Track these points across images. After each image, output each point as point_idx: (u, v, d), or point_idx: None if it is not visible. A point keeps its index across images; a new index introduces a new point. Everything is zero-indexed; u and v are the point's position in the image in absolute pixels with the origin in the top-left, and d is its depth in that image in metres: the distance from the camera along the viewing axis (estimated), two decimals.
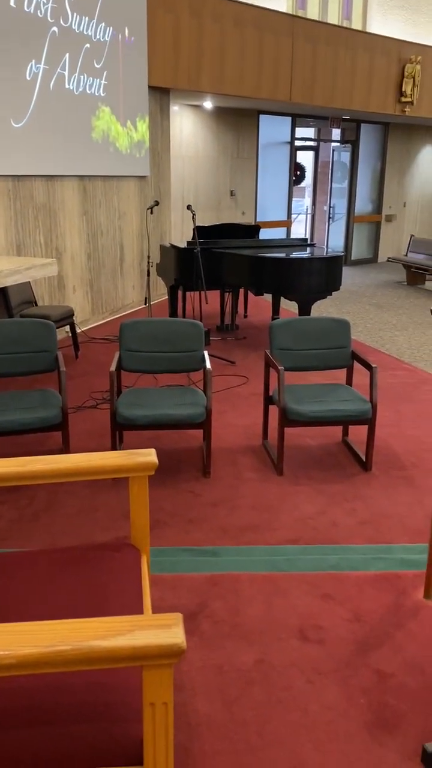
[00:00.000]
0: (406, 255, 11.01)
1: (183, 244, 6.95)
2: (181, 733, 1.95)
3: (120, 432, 4.16)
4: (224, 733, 1.95)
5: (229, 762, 1.86)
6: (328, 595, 2.58)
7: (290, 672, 2.17)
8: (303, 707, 2.03)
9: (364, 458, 4.05)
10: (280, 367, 4.02)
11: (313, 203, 13.44)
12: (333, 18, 11.56)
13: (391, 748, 1.89)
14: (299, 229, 14.27)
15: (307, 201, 13.87)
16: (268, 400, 4.34)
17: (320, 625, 2.40)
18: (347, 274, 12.05)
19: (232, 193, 10.90)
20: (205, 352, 4.27)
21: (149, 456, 1.87)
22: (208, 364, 4.10)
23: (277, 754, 1.88)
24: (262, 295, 6.96)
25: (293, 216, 12.79)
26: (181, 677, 2.16)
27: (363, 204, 13.13)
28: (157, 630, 1.19)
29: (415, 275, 10.78)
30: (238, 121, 10.65)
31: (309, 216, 13.57)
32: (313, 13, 11.21)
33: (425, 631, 2.36)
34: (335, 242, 13.14)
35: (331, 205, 13.02)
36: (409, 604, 2.53)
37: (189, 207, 6.13)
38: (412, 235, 11.24)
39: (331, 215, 13.05)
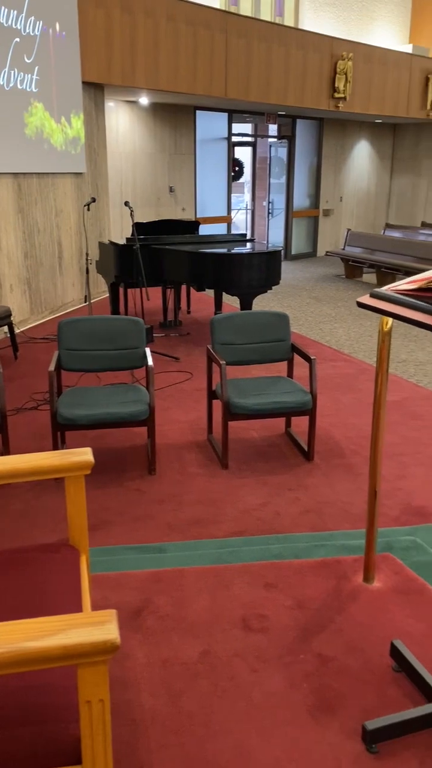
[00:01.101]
0: (344, 249, 11.22)
1: (122, 241, 6.90)
2: (125, 729, 1.94)
3: (62, 433, 4.10)
4: (170, 726, 1.96)
5: (175, 755, 1.87)
6: (271, 584, 2.62)
7: (234, 662, 2.19)
8: (247, 696, 2.06)
9: (306, 448, 4.12)
10: (221, 362, 4.04)
11: (253, 199, 13.54)
12: (266, 14, 11.66)
13: (334, 729, 1.94)
14: (239, 225, 14.35)
15: (247, 196, 13.96)
16: (212, 395, 4.36)
17: (263, 614, 2.43)
18: (288, 268, 12.20)
19: (171, 189, 10.87)
20: (147, 349, 4.25)
21: (84, 455, 1.86)
22: (150, 361, 4.08)
23: (223, 744, 1.90)
24: (204, 290, 6.97)
25: (233, 212, 12.86)
26: (126, 674, 2.15)
27: (301, 199, 13.31)
28: (90, 628, 1.19)
29: (352, 268, 11.01)
30: (174, 117, 10.62)
31: (249, 211, 13.66)
32: (246, 9, 11.28)
33: (364, 614, 2.43)
34: (275, 237, 13.28)
35: (270, 201, 13.14)
36: (349, 589, 2.59)
37: (127, 203, 6.08)
38: (348, 229, 11.46)
39: (270, 210, 13.17)
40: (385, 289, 1.84)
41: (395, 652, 2.13)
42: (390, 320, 2.38)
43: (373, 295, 1.84)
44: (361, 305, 1.85)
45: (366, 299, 1.85)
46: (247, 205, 13.87)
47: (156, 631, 2.35)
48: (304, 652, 2.23)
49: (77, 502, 1.88)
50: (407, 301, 1.71)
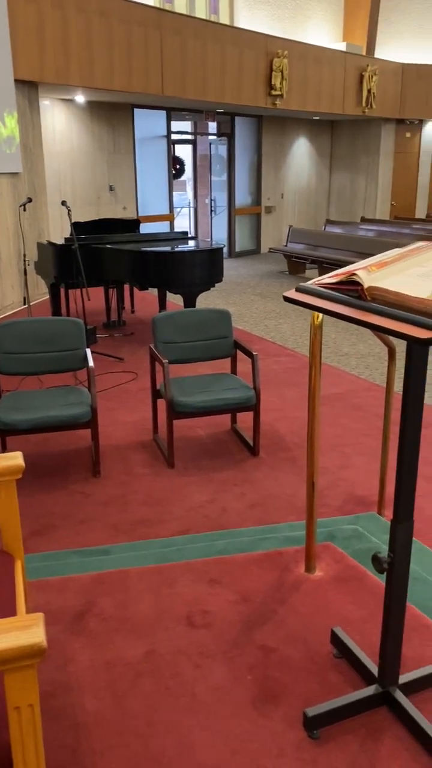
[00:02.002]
0: (286, 245, 11.35)
1: (61, 241, 6.80)
2: (68, 734, 1.93)
3: (2, 438, 4.02)
4: (114, 728, 1.95)
5: (119, 756, 1.86)
6: (215, 580, 2.63)
7: (178, 659, 2.20)
8: (191, 691, 2.07)
9: (252, 444, 4.16)
10: (164, 360, 4.03)
11: (195, 197, 13.54)
12: (200, 12, 11.67)
13: (276, 719, 1.96)
14: (183, 223, 14.33)
15: (190, 194, 13.96)
16: (156, 394, 4.35)
17: (207, 610, 2.44)
18: (232, 265, 12.26)
19: (111, 188, 10.77)
20: (88, 350, 4.21)
21: (14, 459, 1.83)
22: (90, 362, 4.04)
23: (167, 741, 1.90)
24: (147, 289, 6.94)
25: (176, 210, 12.84)
26: (69, 678, 2.13)
27: (243, 196, 13.39)
28: (16, 632, 1.17)
29: (295, 264, 11.14)
30: (112, 115, 10.52)
31: (192, 209, 13.67)
32: (180, 7, 11.26)
33: (306, 604, 2.47)
34: (219, 235, 13.32)
35: (213, 198, 13.18)
36: (291, 580, 2.63)
37: (64, 203, 6.00)
38: (290, 226, 11.60)
39: (213, 208, 13.21)
40: (310, 283, 1.87)
41: (335, 639, 2.18)
42: (321, 314, 2.42)
43: (299, 290, 1.87)
44: (287, 299, 1.88)
45: (292, 293, 1.87)
46: (189, 203, 13.87)
47: (99, 633, 2.34)
48: (247, 645, 2.25)
49: (10, 508, 1.85)
50: (329, 294, 1.74)
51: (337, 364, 6.16)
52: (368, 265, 1.75)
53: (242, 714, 1.98)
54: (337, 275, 1.79)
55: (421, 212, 14.75)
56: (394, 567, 1.82)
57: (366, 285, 1.65)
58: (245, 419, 4.52)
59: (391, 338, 2.95)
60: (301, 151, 14.30)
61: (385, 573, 1.84)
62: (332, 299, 1.74)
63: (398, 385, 5.54)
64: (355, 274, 1.70)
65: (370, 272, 1.69)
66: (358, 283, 1.68)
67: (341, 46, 12.87)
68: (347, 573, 2.63)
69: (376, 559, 1.83)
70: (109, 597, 2.55)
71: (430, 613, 2.43)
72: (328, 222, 12.10)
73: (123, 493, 3.61)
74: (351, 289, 1.70)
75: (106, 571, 2.75)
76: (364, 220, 12.71)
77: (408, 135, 14.32)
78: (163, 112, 11.40)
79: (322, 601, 2.47)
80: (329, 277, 1.83)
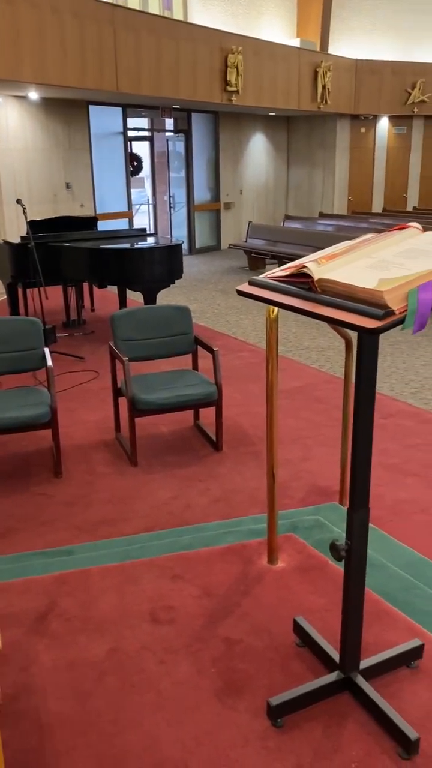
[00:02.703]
0: (246, 241, 11.38)
1: (17, 240, 6.69)
2: (32, 737, 1.91)
3: None
4: (78, 728, 1.94)
5: (84, 755, 1.85)
6: (178, 576, 2.64)
7: (143, 655, 2.20)
8: (156, 687, 2.07)
9: (215, 439, 4.17)
10: (124, 358, 4.01)
11: (154, 193, 13.48)
12: (154, 8, 11.60)
13: (241, 709, 1.98)
14: (143, 220, 14.26)
15: (148, 191, 13.88)
16: (117, 393, 4.32)
17: (171, 605, 2.45)
18: (192, 262, 12.25)
19: (68, 186, 10.64)
20: (46, 350, 4.16)
21: None
22: (49, 362, 4.00)
23: (132, 738, 1.90)
24: (106, 287, 6.88)
25: (135, 207, 12.75)
26: (32, 680, 2.11)
27: (201, 192, 13.38)
28: None
29: (255, 260, 11.19)
30: (67, 112, 10.39)
31: (151, 206, 13.60)
32: (133, 2, 11.17)
33: (269, 595, 2.49)
34: (179, 231, 13.29)
35: (171, 195, 13.14)
36: (254, 572, 2.65)
37: (19, 201, 5.91)
38: (249, 222, 11.64)
39: (172, 205, 13.17)
40: (263, 276, 1.88)
41: (298, 629, 2.20)
42: (276, 308, 2.44)
43: (252, 283, 1.88)
44: (240, 293, 1.89)
45: (245, 287, 1.89)
46: (148, 200, 13.80)
47: (62, 633, 2.32)
48: (211, 638, 2.26)
49: None
50: (281, 287, 1.76)
51: (298, 358, 6.22)
52: (318, 257, 1.77)
53: (207, 707, 1.99)
54: (288, 268, 1.80)
55: (377, 207, 14.95)
56: (352, 554, 1.85)
57: (316, 277, 1.67)
58: (208, 415, 4.53)
59: (347, 330, 2.99)
60: (259, 147, 14.35)
61: (343, 560, 1.87)
62: (284, 292, 1.76)
63: None
64: (305, 267, 1.72)
65: (319, 264, 1.71)
66: (308, 276, 1.70)
67: (295, 42, 12.94)
68: (309, 563, 2.67)
69: (334, 548, 1.86)
70: (71, 597, 2.53)
71: (391, 599, 2.48)
72: (287, 217, 12.18)
73: (86, 492, 3.58)
74: (302, 281, 1.72)
75: (69, 571, 2.73)
76: (322, 215, 12.83)
77: (363, 130, 14.50)
78: (119, 109, 11.30)
79: (285, 592, 2.50)
80: (281, 270, 1.84)
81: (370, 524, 3.21)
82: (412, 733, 1.78)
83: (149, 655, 2.19)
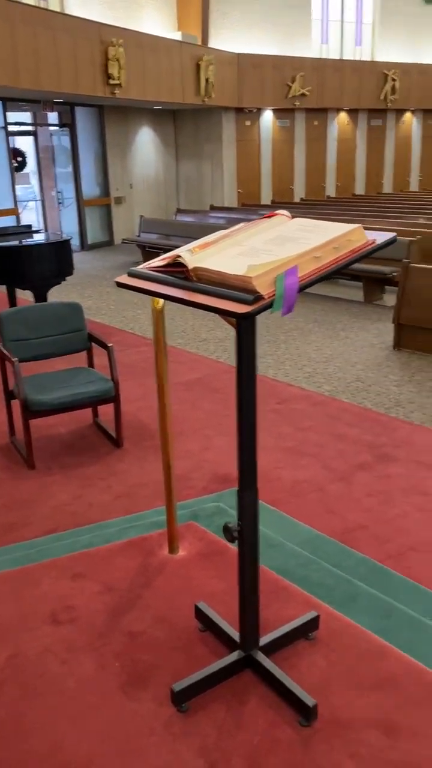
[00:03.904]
0: (139, 236, 11.32)
1: None
2: None
3: None
4: None
5: None
6: (79, 575, 2.61)
7: (44, 658, 2.16)
8: (59, 688, 2.04)
9: (115, 436, 4.13)
10: (14, 359, 3.89)
11: (41, 189, 13.11)
12: None
13: (145, 700, 1.99)
14: (31, 217, 13.83)
15: (35, 187, 13.49)
16: (9, 395, 4.19)
17: (71, 605, 2.42)
18: (85, 258, 12.04)
19: None
20: None
21: None
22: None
23: (36, 742, 1.86)
24: None
25: (23, 204, 12.34)
26: None
27: (90, 187, 13.16)
28: None
29: (149, 254, 11.14)
30: None
31: (39, 202, 13.22)
32: None
33: (170, 584, 2.51)
34: (69, 227, 13.01)
35: (59, 190, 12.83)
36: (155, 563, 2.66)
37: None
38: (141, 216, 11.58)
39: (60, 200, 12.86)
40: (140, 267, 1.89)
41: (199, 614, 2.24)
42: (162, 299, 2.45)
43: (131, 274, 1.88)
44: (120, 285, 1.88)
45: (123, 278, 1.88)
46: (36, 196, 13.40)
47: None
48: (113, 633, 2.25)
49: None
50: (159, 277, 1.77)
51: (196, 350, 6.27)
52: (192, 247, 1.80)
53: (111, 702, 1.98)
54: (165, 258, 1.82)
55: (266, 198, 15.30)
56: (244, 534, 1.90)
57: (190, 266, 1.69)
58: (107, 412, 4.48)
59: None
60: (146, 141, 14.28)
61: (236, 541, 1.91)
62: (162, 282, 1.77)
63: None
64: (179, 256, 1.74)
65: (193, 253, 1.74)
66: (184, 265, 1.72)
67: (177, 36, 12.97)
68: (209, 549, 2.71)
69: (226, 530, 1.90)
70: None
71: (289, 576, 2.57)
72: (179, 211, 12.22)
73: None
74: (178, 270, 1.74)
75: None
76: (213, 207, 12.97)
77: (248, 123, 14.77)
78: None
79: (186, 579, 2.53)
80: (159, 260, 1.86)
81: (269, 506, 3.32)
82: (309, 701, 1.85)
83: (51, 656, 2.15)
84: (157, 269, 1.80)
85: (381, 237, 1.64)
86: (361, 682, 1.99)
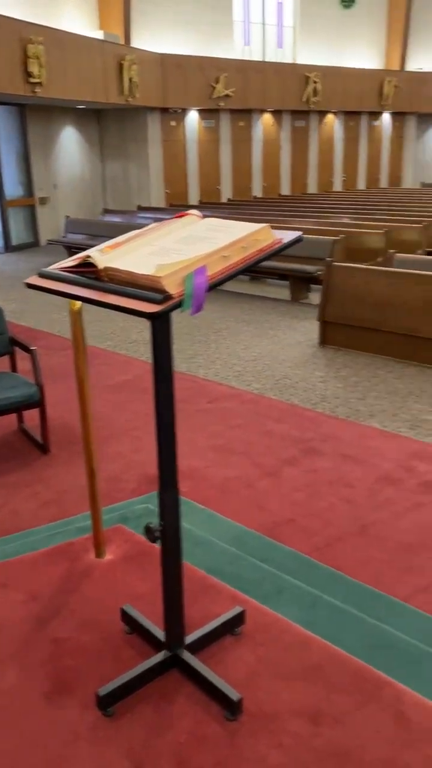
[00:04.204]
0: (65, 236, 11.13)
1: None
2: None
3: None
4: None
5: None
6: (2, 584, 2.54)
7: None
8: None
9: (41, 441, 4.05)
10: None
11: None
12: None
13: (71, 706, 1.96)
14: None
15: None
16: None
17: None
18: (9, 260, 11.74)
19: None
20: None
21: None
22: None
23: None
24: None
25: None
26: None
27: (13, 188, 12.84)
28: None
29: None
30: None
31: None
32: None
33: (97, 588, 2.49)
34: None
35: None
36: (81, 568, 2.62)
37: None
38: (67, 216, 11.39)
39: None
40: (52, 267, 1.86)
41: (126, 616, 2.22)
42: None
43: (42, 275, 1.85)
44: (29, 286, 1.85)
45: (34, 279, 1.85)
46: None
47: None
48: (39, 641, 2.21)
49: None
50: (70, 277, 1.75)
51: (125, 352, 6.22)
52: (104, 246, 1.78)
53: (36, 711, 1.94)
54: (76, 258, 1.79)
55: (194, 198, 15.34)
56: (166, 533, 1.90)
57: (101, 266, 1.68)
58: (33, 417, 4.39)
59: None
60: (70, 141, 14.05)
61: (158, 541, 1.91)
62: (73, 282, 1.74)
63: (185, 366, 5.76)
64: (90, 256, 1.72)
65: (104, 253, 1.72)
66: (95, 265, 1.70)
67: (98, 35, 12.81)
68: (136, 551, 2.70)
69: (148, 530, 1.90)
70: None
71: (217, 573, 2.58)
72: (106, 211, 12.09)
73: None
74: (89, 271, 1.72)
75: None
76: (140, 208, 12.90)
77: (173, 124, 14.76)
78: None
79: (112, 583, 2.51)
80: (70, 261, 1.83)
81: (199, 505, 3.33)
82: (234, 695, 1.87)
83: None
84: (68, 269, 1.78)
85: (288, 236, 1.67)
86: (287, 674, 2.02)
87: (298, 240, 1.67)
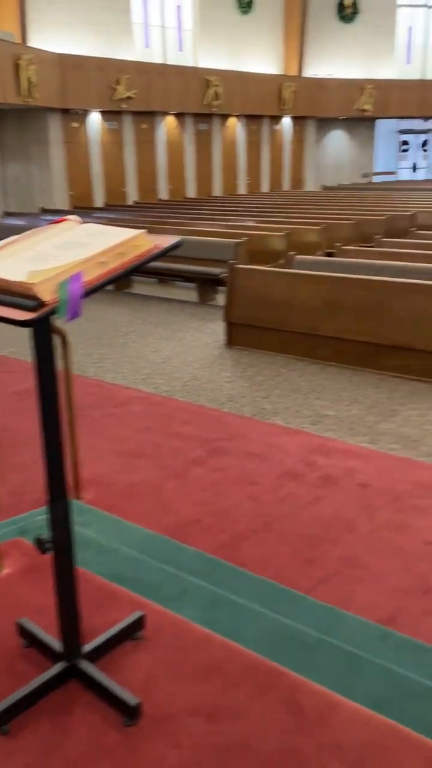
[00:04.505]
0: None
1: None
2: None
3: None
4: None
5: None
6: None
7: None
8: None
9: None
10: None
11: None
12: None
13: None
14: None
15: None
16: None
17: None
18: None
19: None
20: None
21: None
22: None
23: None
24: None
25: None
26: None
27: None
28: None
29: None
30: None
31: None
32: None
33: None
34: None
35: None
36: None
37: None
38: None
39: None
40: None
41: (22, 630, 2.17)
42: None
43: None
44: None
45: None
46: None
47: None
48: None
49: None
50: None
51: (29, 359, 6.06)
52: None
53: None
54: None
55: (99, 201, 15.16)
56: (57, 544, 1.87)
57: None
58: None
59: (58, 325, 2.98)
60: None
61: (49, 552, 1.88)
62: None
63: (93, 370, 5.69)
64: None
65: None
66: None
67: None
68: (35, 564, 2.63)
69: (39, 542, 1.86)
70: None
71: (119, 579, 2.57)
72: (7, 214, 11.74)
73: None
74: None
75: None
76: (44, 210, 12.62)
77: (75, 125, 14.54)
78: None
79: (10, 597, 2.44)
80: None
81: (104, 511, 3.29)
82: (132, 700, 1.87)
83: None
84: None
85: (167, 242, 1.69)
86: (185, 674, 2.04)
87: (176, 246, 1.69)
